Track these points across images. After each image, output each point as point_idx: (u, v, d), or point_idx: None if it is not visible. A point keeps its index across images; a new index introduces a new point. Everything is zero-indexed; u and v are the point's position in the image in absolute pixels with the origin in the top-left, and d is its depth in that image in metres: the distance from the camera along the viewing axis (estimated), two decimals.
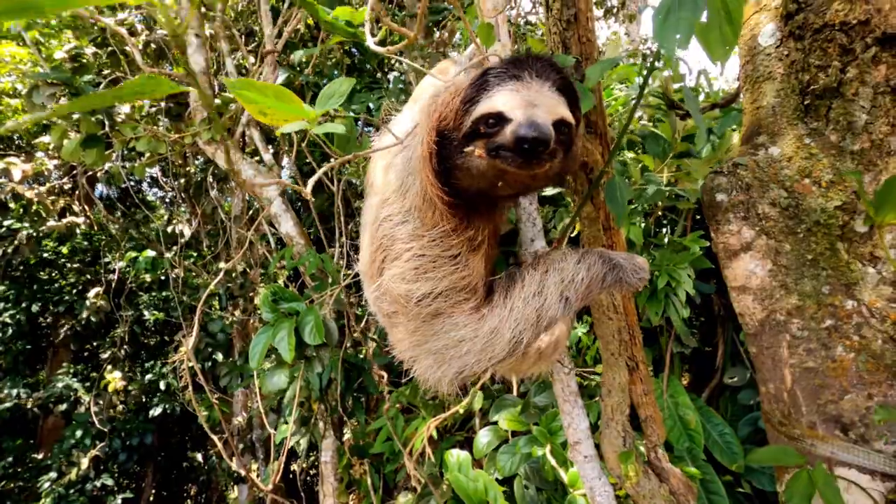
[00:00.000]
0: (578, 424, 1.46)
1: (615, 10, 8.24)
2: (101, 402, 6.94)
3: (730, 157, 1.60)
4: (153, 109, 5.81)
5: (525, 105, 1.03)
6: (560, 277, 1.22)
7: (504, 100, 1.05)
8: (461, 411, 2.75)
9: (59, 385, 6.81)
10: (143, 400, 7.24)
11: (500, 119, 1.04)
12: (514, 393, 2.77)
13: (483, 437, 2.64)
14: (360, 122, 3.70)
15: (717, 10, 0.97)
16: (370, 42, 1.08)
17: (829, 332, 1.38)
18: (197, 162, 6.85)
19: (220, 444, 4.26)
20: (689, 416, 3.10)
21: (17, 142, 7.67)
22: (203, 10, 4.73)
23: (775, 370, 1.47)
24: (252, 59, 5.39)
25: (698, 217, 3.91)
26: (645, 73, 1.24)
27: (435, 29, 5.25)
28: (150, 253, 6.32)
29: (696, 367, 4.20)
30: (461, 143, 1.11)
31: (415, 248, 1.20)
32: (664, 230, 3.95)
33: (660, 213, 3.61)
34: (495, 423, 2.64)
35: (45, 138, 6.74)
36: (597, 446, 1.52)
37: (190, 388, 3.10)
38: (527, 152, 1.00)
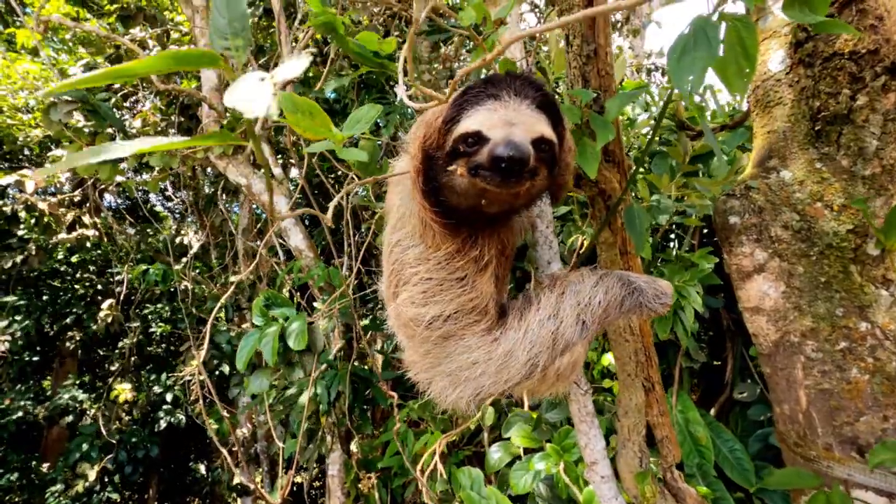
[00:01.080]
0: (595, 445, 1.48)
1: (619, 26, 8.33)
2: (106, 413, 6.95)
3: (741, 179, 1.62)
4: (164, 125, 5.91)
5: (503, 124, 1.03)
6: (577, 300, 1.21)
7: (482, 119, 1.05)
8: (471, 427, 2.76)
9: (66, 396, 6.82)
10: (150, 411, 7.24)
11: (478, 138, 1.04)
12: (525, 408, 2.78)
13: (495, 453, 2.64)
14: (381, 146, 3.76)
15: (732, 45, 1.00)
16: (402, 94, 1.12)
17: (844, 354, 1.40)
18: (207, 174, 6.93)
19: (228, 457, 4.26)
20: (700, 432, 3.10)
21: (29, 155, 7.77)
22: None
23: (790, 391, 1.49)
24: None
25: (706, 231, 3.94)
26: (662, 104, 1.28)
27: (441, 45, 5.32)
28: (161, 265, 6.37)
29: (705, 382, 4.19)
30: (445, 162, 1.11)
31: (421, 272, 1.20)
32: (671, 244, 3.97)
33: (667, 227, 3.64)
34: (506, 438, 2.65)
35: (58, 151, 6.84)
36: (612, 466, 1.53)
37: (200, 401, 3.12)
38: (505, 171, 0.99)
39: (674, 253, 3.50)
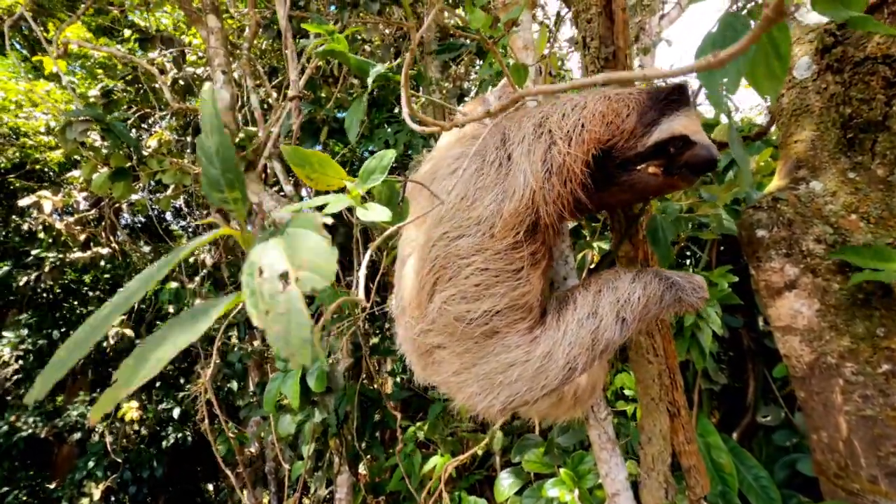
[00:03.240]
0: (616, 475, 1.37)
1: (631, 43, 8.33)
2: (114, 431, 6.90)
3: (768, 191, 1.54)
4: (179, 144, 5.99)
5: (700, 131, 1.15)
6: (615, 297, 1.17)
7: (685, 124, 1.14)
8: (479, 452, 2.65)
9: (74, 413, 6.80)
10: (158, 429, 7.20)
11: (685, 142, 1.13)
12: (536, 432, 2.66)
13: (505, 480, 2.52)
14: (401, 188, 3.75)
15: (762, 44, 0.94)
16: (406, 118, 1.08)
17: (887, 378, 1.29)
18: None
19: (233, 479, 4.17)
20: (722, 457, 2.94)
21: (49, 175, 7.91)
22: (230, 47, 4.90)
23: (828, 417, 1.38)
24: (275, 95, 5.54)
25: (722, 248, 3.82)
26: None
27: (451, 64, 5.34)
28: (174, 284, 6.38)
29: (727, 405, 4.03)
30: (630, 161, 1.17)
31: (477, 262, 1.15)
32: (688, 262, 3.86)
33: (682, 243, 3.54)
34: (517, 463, 2.53)
35: (76, 172, 6.96)
36: (636, 494, 1.42)
37: (206, 419, 3.05)
38: (701, 171, 1.13)
39: (691, 271, 3.39)
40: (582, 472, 2.06)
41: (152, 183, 4.54)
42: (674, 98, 1.17)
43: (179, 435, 7.26)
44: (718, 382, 3.59)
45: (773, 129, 1.81)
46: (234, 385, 6.96)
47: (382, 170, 0.84)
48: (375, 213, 0.80)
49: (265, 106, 5.49)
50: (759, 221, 1.48)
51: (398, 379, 4.76)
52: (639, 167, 1.17)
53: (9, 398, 7.82)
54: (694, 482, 1.37)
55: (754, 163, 2.43)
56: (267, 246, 0.40)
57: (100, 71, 7.61)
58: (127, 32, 6.37)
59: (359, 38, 5.39)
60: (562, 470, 2.05)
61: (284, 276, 0.37)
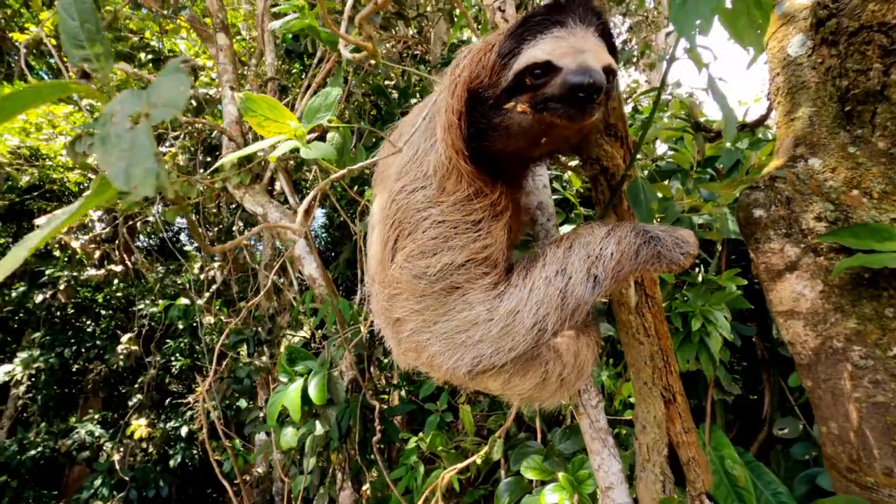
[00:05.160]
0: (610, 467, 1.28)
1: (635, 60, 8.37)
2: (122, 449, 6.87)
3: (765, 172, 1.48)
4: (192, 164, 6.12)
5: (574, 52, 0.96)
6: (586, 252, 1.09)
7: (550, 47, 0.98)
8: (479, 461, 2.55)
9: (83, 432, 6.79)
10: (165, 448, 7.15)
11: (548, 68, 0.98)
12: (538, 440, 2.56)
13: (504, 490, 2.42)
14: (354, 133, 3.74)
15: None
16: (343, 50, 1.06)
17: None
18: (231, 208, 7.09)
19: (234, 499, 4.08)
20: (738, 471, 2.79)
21: (66, 195, 8.11)
22: (239, 65, 5.01)
23: (836, 406, 1.29)
24: None
25: (734, 257, 3.71)
26: (665, 65, 1.17)
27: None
28: (184, 301, 6.42)
29: (741, 418, 3.86)
30: (499, 100, 1.04)
31: (434, 215, 1.09)
32: (697, 269, 3.76)
33: None
34: (518, 473, 2.43)
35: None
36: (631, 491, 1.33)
37: (205, 429, 3.00)
38: (580, 101, 0.94)
39: (699, 277, 3.30)
40: (582, 477, 1.96)
41: (160, 196, 4.59)
42: (539, 19, 1.03)
43: (186, 454, 7.20)
44: (732, 393, 3.46)
45: (772, 115, 1.75)
46: (243, 403, 6.91)
47: (328, 108, 0.81)
48: (317, 150, 0.77)
49: None
50: (755, 201, 1.42)
51: (402, 392, 4.67)
52: (506, 107, 1.04)
53: (25, 415, 7.87)
54: (694, 476, 1.27)
55: (756, 157, 2.37)
56: (128, 96, 0.37)
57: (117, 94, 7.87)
58: (143, 56, 6.59)
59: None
60: (560, 474, 1.95)
61: (135, 118, 0.33)
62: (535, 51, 0.99)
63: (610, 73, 1.01)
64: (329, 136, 1.04)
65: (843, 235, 1.24)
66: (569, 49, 0.97)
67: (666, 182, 2.12)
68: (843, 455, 1.27)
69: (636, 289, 1.33)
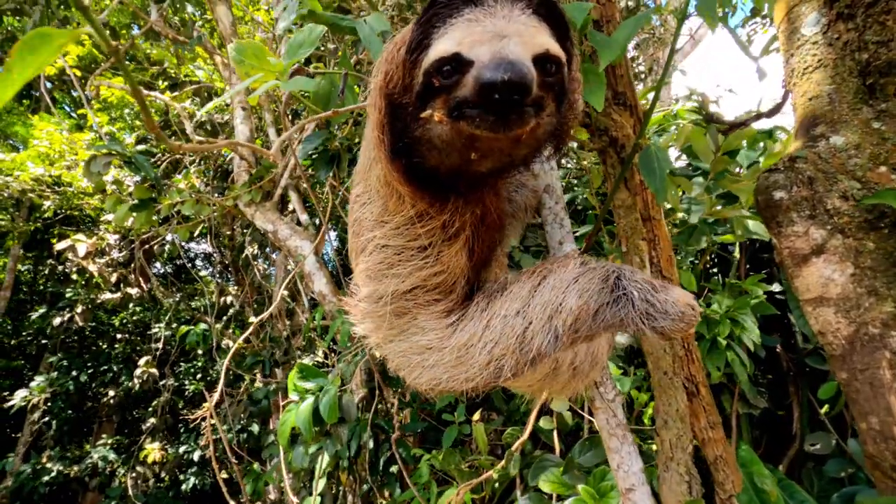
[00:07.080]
0: (630, 466, 1.18)
1: (643, 76, 8.39)
2: (133, 474, 6.81)
3: (784, 154, 1.41)
4: (208, 188, 6.23)
5: (489, 38, 0.73)
6: (550, 297, 0.91)
7: (459, 35, 0.75)
8: (495, 476, 2.43)
9: (96, 456, 6.75)
10: (177, 472, 7.08)
11: (459, 63, 0.75)
12: (556, 453, 2.44)
13: None
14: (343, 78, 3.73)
15: None
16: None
17: None
18: (244, 232, 7.16)
19: None
20: (769, 487, 2.62)
21: (86, 220, 8.28)
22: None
23: (876, 399, 1.18)
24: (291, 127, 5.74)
25: (748, 266, 3.60)
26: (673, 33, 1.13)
27: None
28: (203, 326, 6.44)
29: (769, 433, 3.67)
30: (416, 108, 0.83)
31: (377, 237, 0.98)
32: (718, 275, 3.64)
33: (711, 253, 3.34)
34: (536, 489, 2.31)
35: (110, 217, 7.27)
36: (654, 493, 1.22)
37: (212, 447, 2.94)
38: (500, 105, 0.71)
39: (720, 281, 3.19)
40: (604, 490, 1.84)
41: (172, 214, 4.65)
42: (449, 2, 0.79)
43: (198, 479, 7.10)
44: (758, 407, 3.30)
45: (789, 100, 1.69)
46: (255, 428, 6.84)
47: (311, 43, 0.77)
48: (296, 84, 0.73)
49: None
50: (775, 183, 1.34)
51: (414, 409, 4.55)
52: (422, 115, 0.81)
53: (41, 440, 7.87)
54: (722, 476, 1.16)
55: (780, 145, 2.29)
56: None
57: (138, 122, 8.10)
58: (161, 83, 6.80)
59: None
60: (581, 487, 1.83)
61: None
62: (444, 41, 0.77)
63: (549, 62, 0.77)
64: (316, 79, 0.99)
65: (887, 196, 1.16)
66: (483, 35, 0.74)
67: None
68: (887, 452, 1.16)
69: (651, 269, 1.25)
